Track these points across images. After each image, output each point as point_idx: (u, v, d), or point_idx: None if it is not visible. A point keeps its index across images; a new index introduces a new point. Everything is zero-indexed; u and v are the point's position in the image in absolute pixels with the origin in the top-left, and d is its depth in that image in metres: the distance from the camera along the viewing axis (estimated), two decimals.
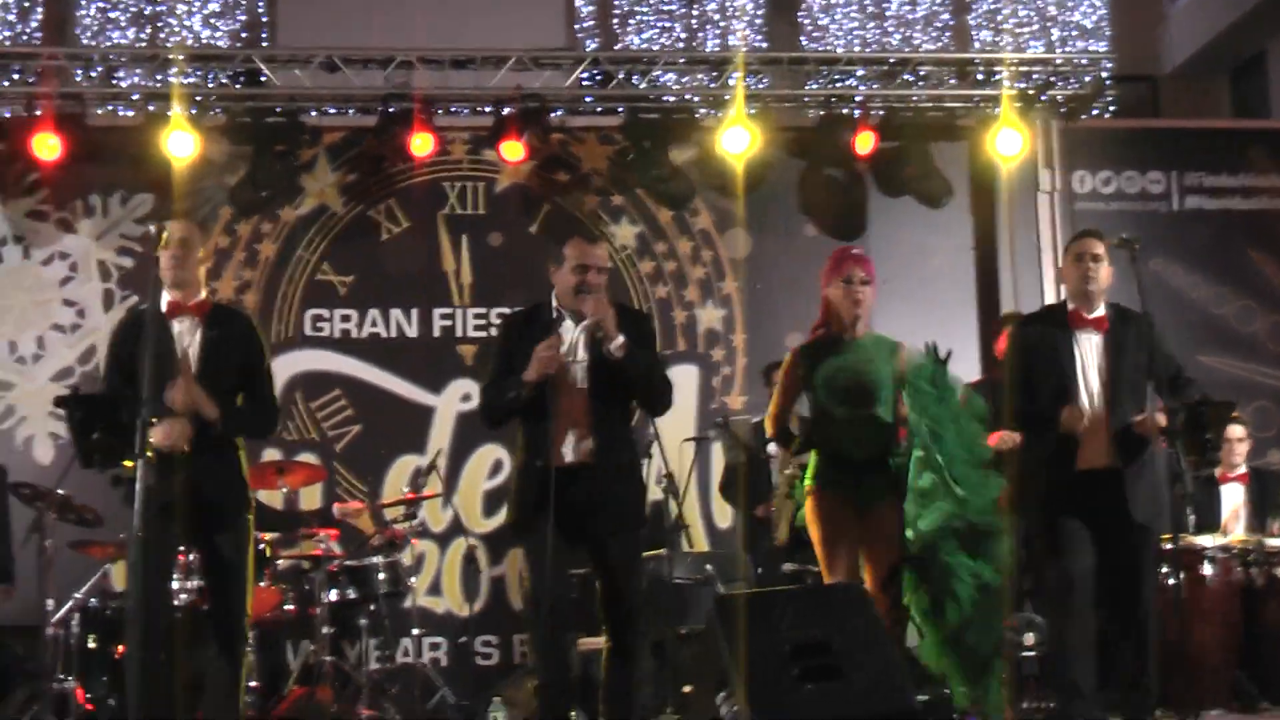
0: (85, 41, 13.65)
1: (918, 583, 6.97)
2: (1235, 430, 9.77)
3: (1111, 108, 14.49)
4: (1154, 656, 7.11)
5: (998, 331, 9.36)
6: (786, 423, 7.34)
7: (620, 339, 6.53)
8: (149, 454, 6.05)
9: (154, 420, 6.18)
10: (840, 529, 6.99)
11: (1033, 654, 8.36)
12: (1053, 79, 11.65)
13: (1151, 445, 7.20)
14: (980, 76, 11.69)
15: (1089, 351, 7.15)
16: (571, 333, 6.68)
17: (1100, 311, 7.20)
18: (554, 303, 6.75)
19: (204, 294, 6.93)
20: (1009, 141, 11.28)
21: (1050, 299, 10.54)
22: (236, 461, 6.85)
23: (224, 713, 6.69)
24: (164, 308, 6.66)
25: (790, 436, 7.38)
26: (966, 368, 9.16)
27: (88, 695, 8.87)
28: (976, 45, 14.72)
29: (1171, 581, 8.42)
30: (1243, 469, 9.84)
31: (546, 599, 6.57)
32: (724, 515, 11.26)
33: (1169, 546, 8.50)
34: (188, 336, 6.75)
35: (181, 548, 7.01)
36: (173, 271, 6.69)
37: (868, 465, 7.04)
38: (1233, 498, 9.81)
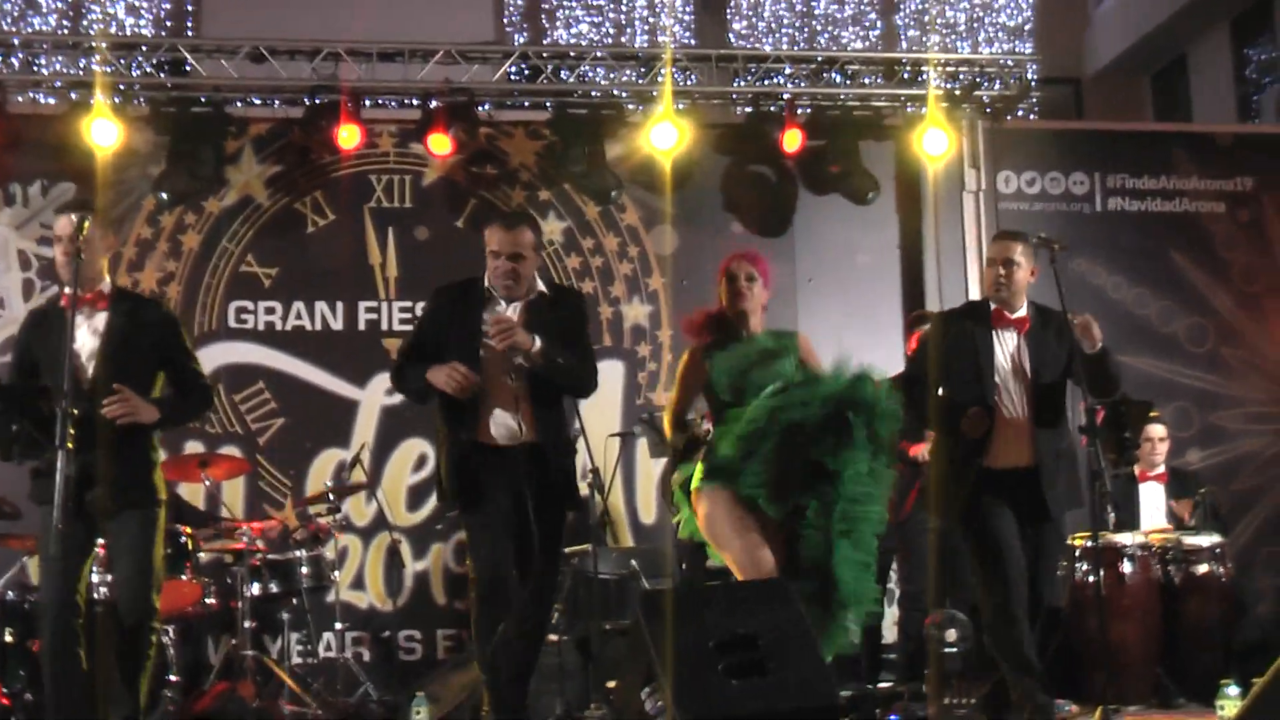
0: (5, 27, 13.50)
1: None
2: (1156, 430, 9.89)
3: (1036, 109, 14.61)
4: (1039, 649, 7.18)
5: (910, 330, 9.42)
6: (685, 425, 7.33)
7: (536, 347, 6.59)
8: (69, 445, 6.01)
9: (74, 411, 6.14)
10: (751, 527, 6.91)
11: (955, 650, 8.42)
12: (979, 79, 11.71)
13: (1068, 442, 7.27)
14: (907, 76, 11.74)
15: (1008, 350, 7.20)
16: (504, 310, 6.75)
17: (1022, 311, 7.27)
18: (486, 281, 6.82)
19: (106, 284, 6.82)
20: (935, 141, 11.34)
21: (976, 297, 10.59)
22: (144, 450, 6.73)
23: (124, 706, 6.60)
24: (64, 301, 6.59)
25: (696, 441, 7.39)
26: (890, 365, 9.17)
27: (4, 690, 8.76)
28: (904, 45, 14.81)
29: (1091, 579, 8.55)
30: (1162, 468, 9.95)
31: (490, 577, 6.63)
32: (649, 511, 11.29)
33: (1089, 544, 8.62)
34: (87, 327, 6.65)
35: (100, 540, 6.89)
36: (72, 265, 6.59)
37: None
38: (1152, 497, 9.91)
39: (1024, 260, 7.28)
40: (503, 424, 6.65)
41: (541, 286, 6.91)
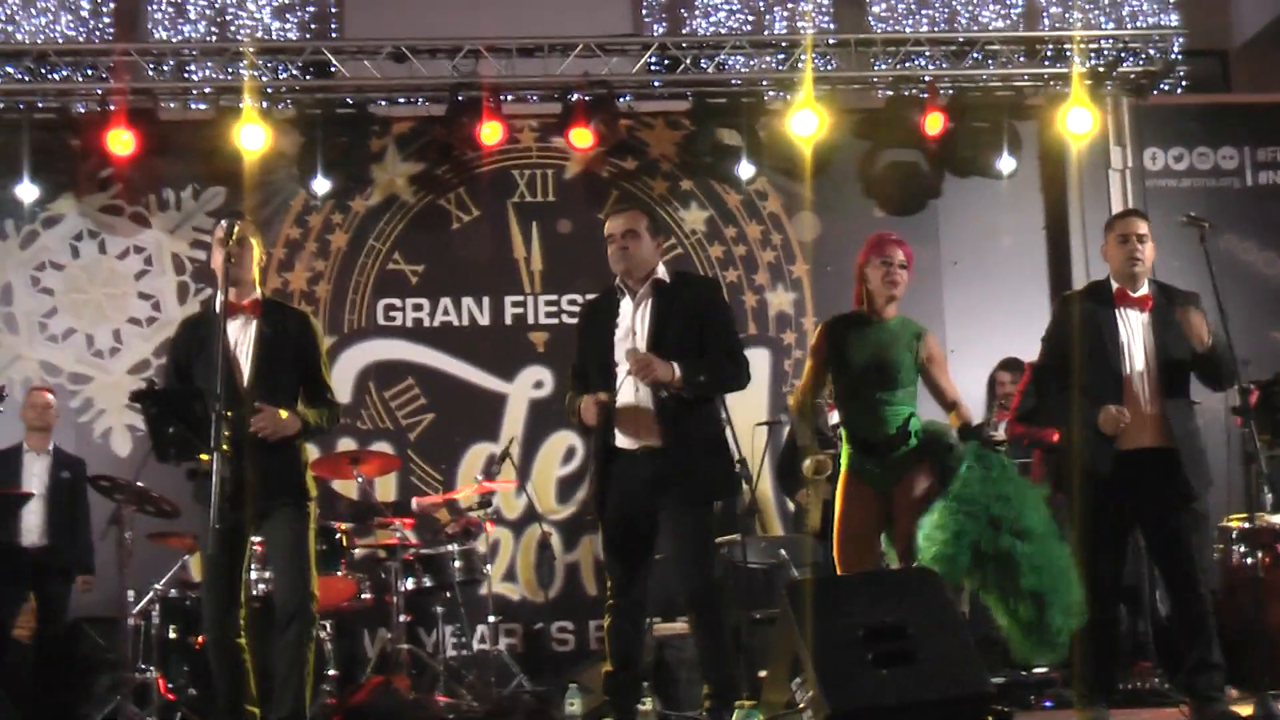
0: (157, 36, 13.75)
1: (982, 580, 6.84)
2: None
3: (1183, 83, 14.35)
4: (1215, 633, 7.03)
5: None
6: (815, 397, 7.35)
7: (676, 374, 6.58)
8: (224, 447, 6.14)
9: (229, 414, 6.26)
10: (861, 521, 6.99)
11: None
12: (1122, 55, 11.54)
13: (1195, 421, 7.16)
14: (1050, 54, 11.59)
15: (1135, 329, 7.10)
16: (630, 313, 6.80)
17: (1145, 289, 7.16)
18: (616, 282, 6.88)
19: (259, 292, 6.95)
20: (1079, 120, 11.19)
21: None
22: (295, 451, 6.87)
23: (287, 698, 6.73)
24: (218, 307, 6.73)
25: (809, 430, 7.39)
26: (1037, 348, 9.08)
27: (169, 685, 8.97)
28: (1046, 22, 14.60)
29: (1249, 561, 8.39)
30: None
31: (618, 589, 6.73)
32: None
33: (1245, 525, 8.47)
34: (242, 334, 6.80)
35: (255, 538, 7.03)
36: (227, 270, 6.74)
37: (889, 445, 6.96)
38: None
39: (1150, 235, 7.21)
40: (636, 433, 6.69)
41: (664, 274, 6.88)
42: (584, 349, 6.97)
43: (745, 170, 11.35)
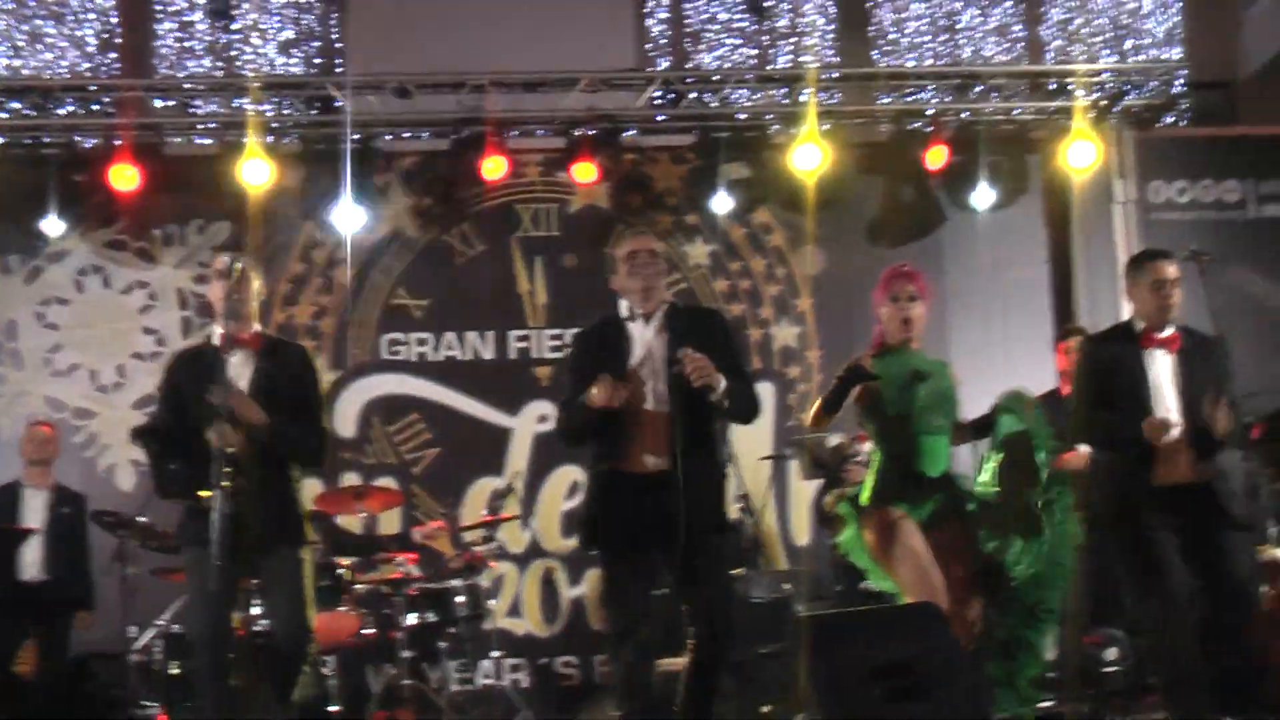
0: (162, 71, 13.79)
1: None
2: None
3: (1188, 115, 14.37)
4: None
5: (1062, 339, 9.29)
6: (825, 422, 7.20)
7: (723, 385, 6.36)
8: (225, 484, 6.13)
9: (229, 450, 6.25)
10: (917, 547, 6.72)
11: (1115, 669, 8.30)
12: (1125, 88, 11.56)
13: (1227, 455, 7.14)
14: (1052, 88, 11.60)
15: (1163, 371, 7.10)
16: (642, 332, 6.57)
17: (1170, 330, 7.15)
18: (621, 311, 6.67)
19: (258, 327, 6.92)
20: (1082, 153, 11.20)
21: (1127, 311, 10.44)
22: (291, 491, 6.83)
23: None
24: (218, 341, 6.71)
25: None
26: (1042, 381, 9.08)
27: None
28: (1049, 56, 14.63)
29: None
30: None
31: (624, 619, 6.52)
32: (802, 533, 11.26)
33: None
34: (242, 369, 6.75)
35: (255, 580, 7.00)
36: (227, 304, 6.73)
37: (935, 482, 6.85)
38: None
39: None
40: (650, 455, 6.52)
41: (669, 297, 6.78)
42: (586, 376, 6.52)
43: (727, 204, 11.40)
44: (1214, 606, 7.09)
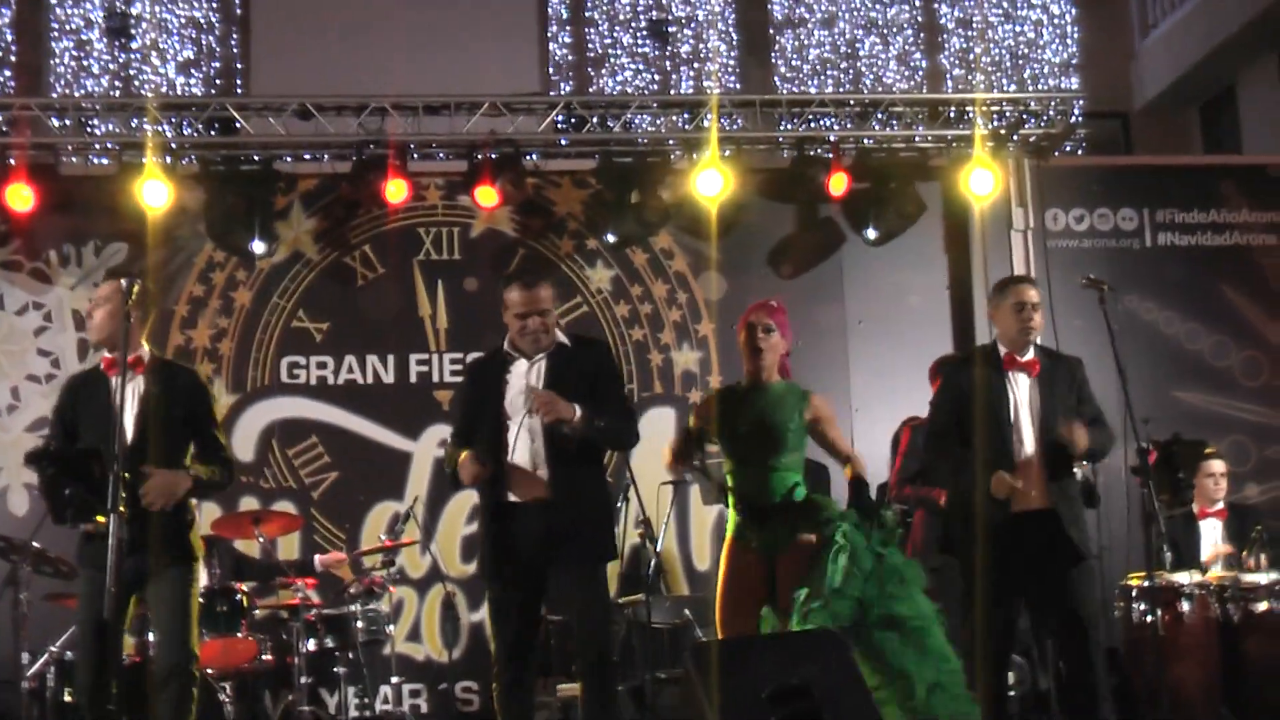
0: (58, 90, 13.66)
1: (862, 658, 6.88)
2: (1216, 465, 9.80)
3: (1084, 144, 14.56)
4: (1106, 692, 7.22)
5: (934, 375, 9.32)
6: (687, 456, 7.35)
7: (576, 415, 6.65)
8: (121, 509, 6.05)
9: (126, 475, 6.19)
10: (744, 587, 7.05)
11: (1012, 694, 8.36)
12: (1024, 117, 11.67)
13: (1076, 482, 7.28)
14: (952, 116, 11.70)
15: (1022, 393, 7.21)
16: (524, 374, 6.82)
17: (1030, 355, 7.27)
18: (505, 345, 6.91)
19: (145, 350, 6.86)
20: (982, 181, 11.30)
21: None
22: (179, 511, 6.75)
23: None
24: (101, 365, 6.66)
25: (695, 469, 7.44)
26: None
27: None
28: (949, 84, 14.79)
29: (1150, 619, 8.48)
30: (1221, 504, 9.84)
31: (506, 655, 6.76)
32: (703, 558, 11.28)
33: (1146, 584, 8.56)
34: (128, 390, 6.63)
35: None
36: (109, 327, 6.66)
37: (775, 511, 7.05)
38: (1211, 533, 9.81)
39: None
40: (527, 487, 6.72)
41: (562, 338, 6.96)
42: (470, 409, 7.00)
43: (629, 228, 11.43)
44: (1060, 637, 7.26)
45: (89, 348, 11.15)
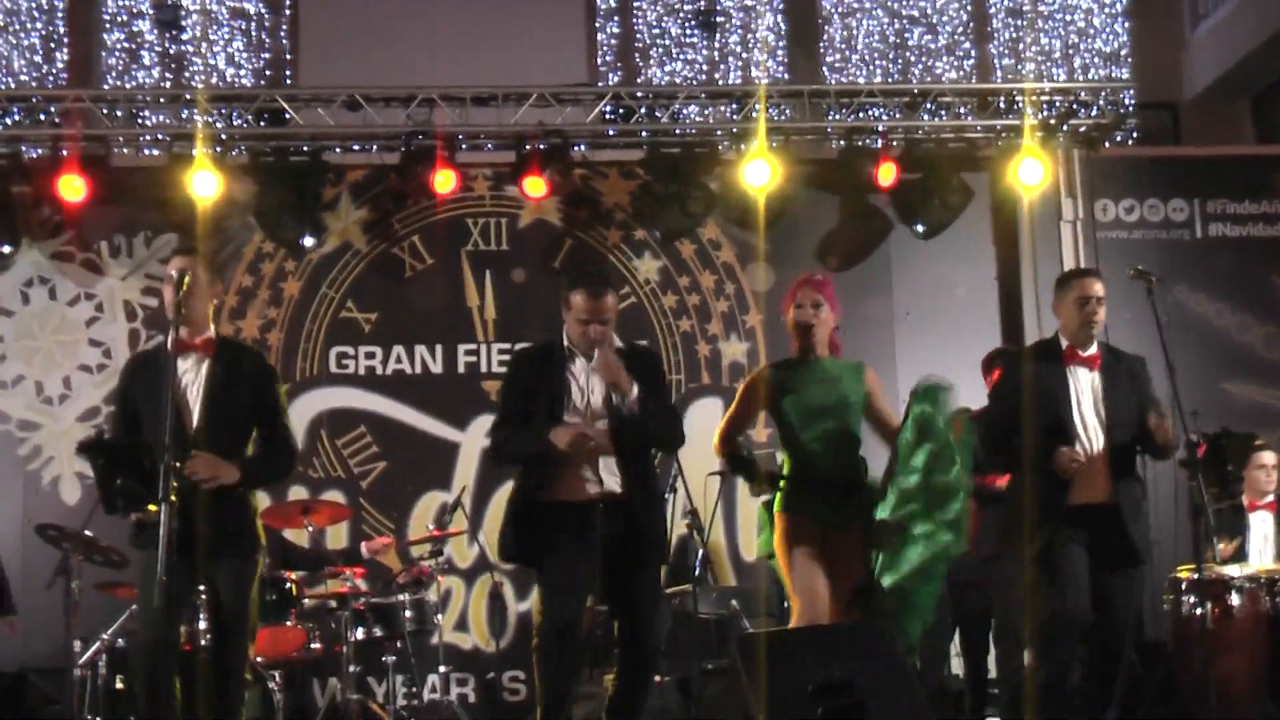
0: (110, 82, 13.73)
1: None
2: (1267, 457, 9.68)
3: (1134, 135, 14.47)
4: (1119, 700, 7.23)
5: (989, 366, 9.28)
6: (735, 444, 7.30)
7: (634, 394, 6.62)
8: (172, 499, 6.08)
9: (177, 464, 6.21)
10: (812, 555, 6.88)
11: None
12: (1074, 107, 11.60)
13: (1144, 482, 7.24)
14: (1001, 106, 11.65)
15: (1084, 388, 7.18)
16: (583, 371, 6.79)
17: (1093, 349, 7.23)
18: (565, 340, 6.86)
19: (211, 331, 6.82)
20: (1031, 171, 11.24)
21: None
22: (244, 497, 6.75)
23: None
24: (170, 345, 6.63)
25: (742, 461, 7.35)
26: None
27: None
28: (998, 74, 14.72)
29: (1199, 611, 8.42)
30: (1271, 497, 9.75)
31: (555, 632, 6.62)
32: (750, 549, 11.26)
33: (1195, 576, 8.50)
34: (193, 374, 6.67)
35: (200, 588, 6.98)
36: (177, 308, 6.66)
37: (839, 487, 6.95)
38: (1261, 525, 9.73)
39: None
40: (593, 483, 6.69)
41: (617, 342, 6.91)
42: (527, 396, 6.83)
43: (677, 219, 11.43)
44: (1092, 633, 7.21)
45: (140, 337, 11.25)
